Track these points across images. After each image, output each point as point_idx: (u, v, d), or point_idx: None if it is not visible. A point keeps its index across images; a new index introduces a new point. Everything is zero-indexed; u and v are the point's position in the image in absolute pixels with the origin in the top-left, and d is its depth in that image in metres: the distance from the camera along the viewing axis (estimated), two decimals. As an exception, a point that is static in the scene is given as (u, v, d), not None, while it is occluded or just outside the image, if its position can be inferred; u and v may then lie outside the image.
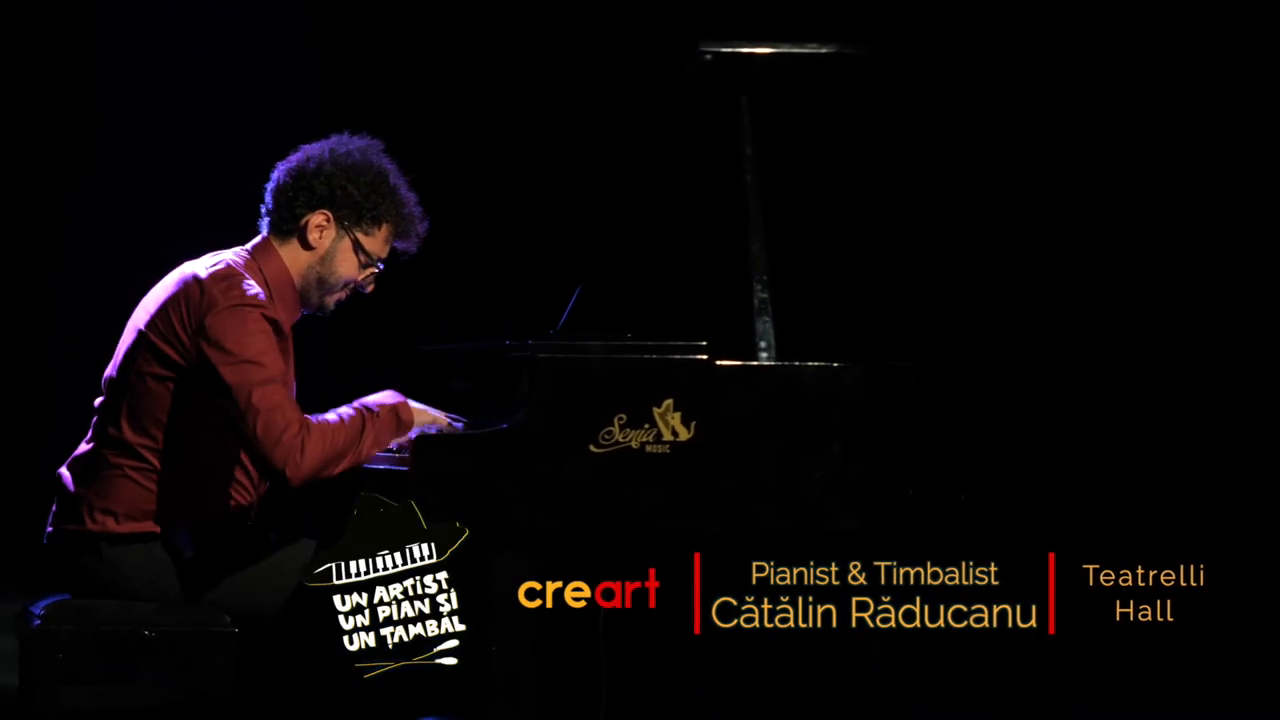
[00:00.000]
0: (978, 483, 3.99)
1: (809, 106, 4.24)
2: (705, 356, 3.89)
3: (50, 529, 4.09)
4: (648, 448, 3.83)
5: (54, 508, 4.10)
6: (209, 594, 3.99)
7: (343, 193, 4.09)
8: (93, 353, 4.43)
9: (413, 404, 4.04)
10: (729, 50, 3.99)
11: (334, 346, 4.52)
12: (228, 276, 3.98)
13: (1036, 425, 5.15)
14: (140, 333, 4.03)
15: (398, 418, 3.99)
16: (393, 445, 4.03)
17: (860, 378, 3.94)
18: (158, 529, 4.03)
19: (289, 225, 4.12)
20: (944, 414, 4.02)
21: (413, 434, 3.96)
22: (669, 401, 3.84)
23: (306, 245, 4.11)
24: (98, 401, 4.09)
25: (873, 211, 4.53)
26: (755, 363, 3.96)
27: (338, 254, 4.10)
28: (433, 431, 3.97)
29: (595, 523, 3.84)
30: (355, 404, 4.02)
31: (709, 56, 3.99)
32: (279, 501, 4.16)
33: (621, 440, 3.82)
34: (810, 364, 3.92)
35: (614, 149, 5.35)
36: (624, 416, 3.83)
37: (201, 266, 4.03)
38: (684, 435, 3.84)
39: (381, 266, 4.12)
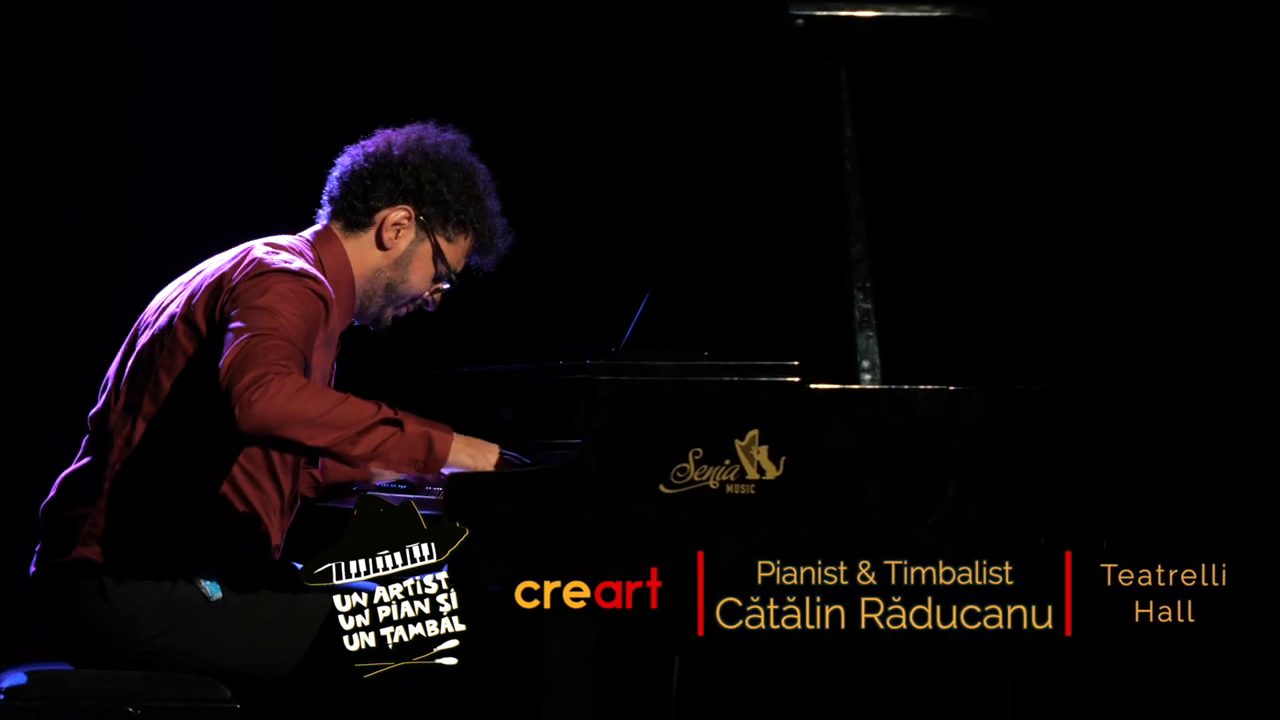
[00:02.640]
0: (1122, 526, 3.89)
1: (916, 82, 4.11)
2: (797, 379, 3.66)
3: (37, 563, 3.80)
4: (729, 488, 3.61)
5: (43, 538, 3.82)
6: (223, 653, 3.74)
7: (431, 188, 3.90)
8: (92, 358, 4.27)
9: (465, 440, 3.71)
10: (824, 14, 3.82)
11: (355, 368, 4.24)
12: (280, 250, 3.78)
13: (1176, 451, 4.90)
14: (166, 323, 3.78)
15: (429, 445, 3.63)
16: (410, 477, 3.85)
17: (980, 403, 3.71)
18: (181, 561, 3.74)
19: (361, 218, 3.91)
20: (1079, 444, 3.85)
21: (448, 470, 3.70)
22: (754, 433, 3.63)
23: (380, 244, 3.90)
24: (94, 411, 3.85)
25: (990, 206, 4.44)
26: (857, 386, 3.75)
27: (414, 259, 3.91)
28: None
29: (666, 577, 3.62)
30: (388, 406, 3.72)
31: (800, 21, 3.82)
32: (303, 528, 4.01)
33: (698, 479, 3.61)
34: (922, 388, 3.70)
35: (686, 132, 5.20)
36: (700, 451, 3.62)
37: (251, 244, 3.84)
38: (772, 473, 3.63)
39: (455, 282, 3.96)
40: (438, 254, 3.94)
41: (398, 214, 3.91)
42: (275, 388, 3.52)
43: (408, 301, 3.97)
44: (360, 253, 3.93)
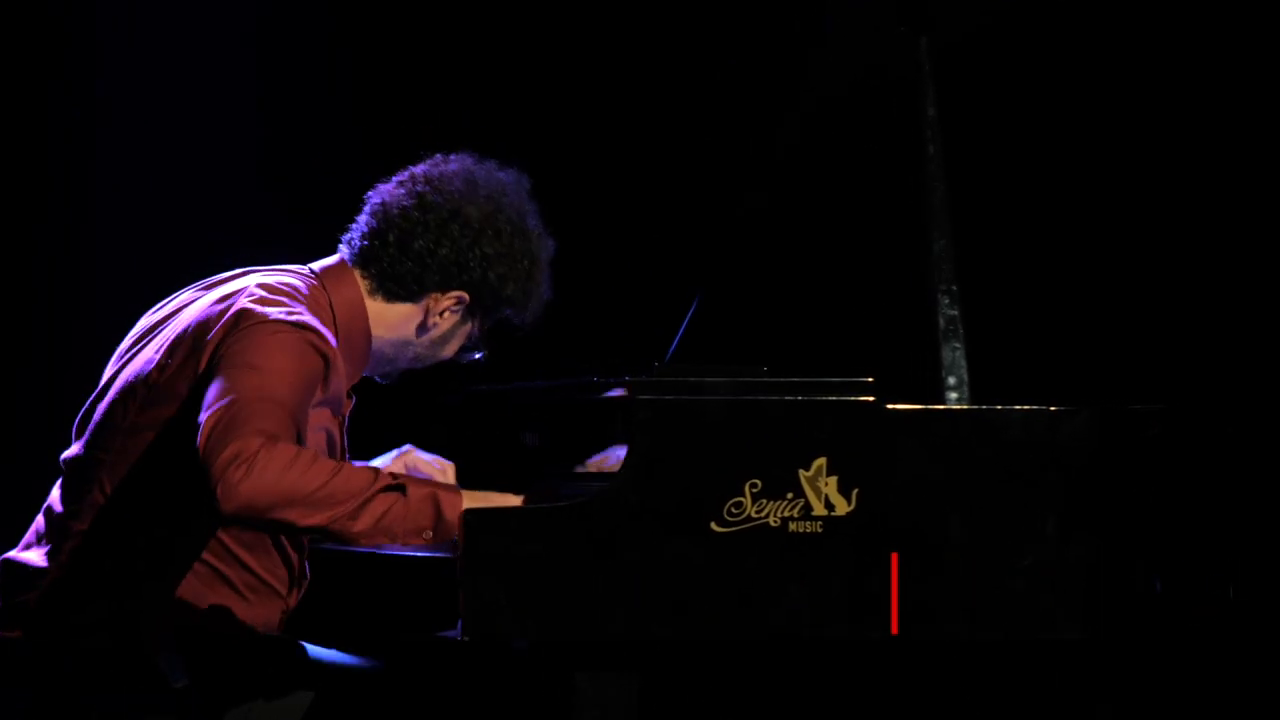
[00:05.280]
0: (1254, 571, 3.73)
1: (1015, 52, 4.09)
2: (871, 398, 3.53)
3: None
4: (792, 525, 3.48)
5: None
6: None
7: (497, 283, 3.77)
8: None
9: (481, 497, 3.56)
10: (901, -31, 3.80)
11: (362, 392, 4.10)
12: (274, 294, 3.63)
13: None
14: (136, 378, 3.66)
15: (436, 510, 3.45)
16: (419, 550, 3.64)
17: (1085, 425, 3.58)
18: (151, 630, 3.61)
19: (403, 291, 3.76)
20: (1203, 474, 3.69)
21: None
22: (821, 461, 3.49)
23: (422, 327, 3.78)
24: (56, 491, 3.73)
25: (1101, 197, 4.36)
26: (941, 407, 3.65)
27: (453, 339, 3.82)
28: None
29: (719, 632, 3.49)
30: (387, 470, 3.60)
31: (872, -20, 3.82)
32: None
33: (755, 515, 3.47)
34: (1017, 408, 3.57)
35: (741, 112, 5.13)
36: (759, 483, 3.48)
37: (242, 285, 3.69)
38: (842, 508, 3.50)
39: (485, 357, 3.90)
40: (479, 333, 3.87)
41: (449, 300, 3.80)
42: (262, 463, 3.36)
43: (422, 367, 3.92)
44: (392, 321, 3.81)
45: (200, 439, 3.38)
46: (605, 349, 4.66)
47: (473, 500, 3.52)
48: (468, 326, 3.82)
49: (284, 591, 3.73)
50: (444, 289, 3.76)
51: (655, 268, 4.98)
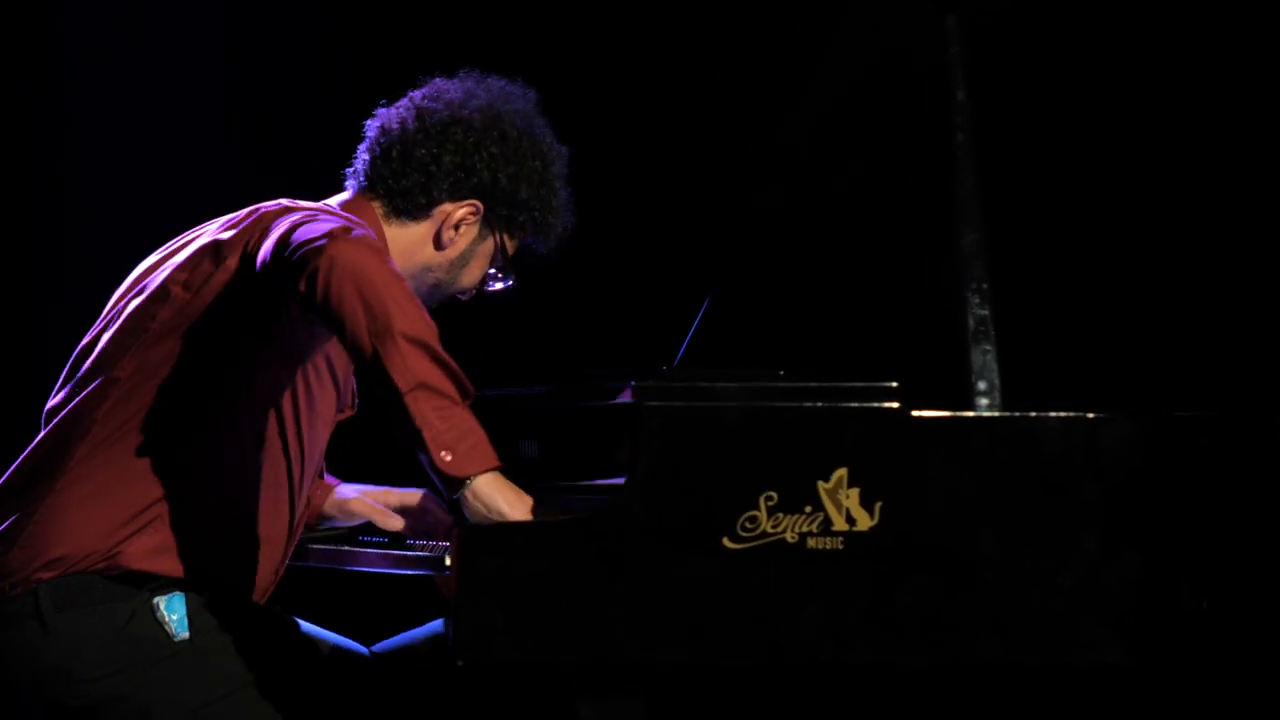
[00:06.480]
0: None
1: (1038, 36, 3.98)
2: (897, 404, 3.49)
3: None
4: (810, 541, 3.43)
5: None
6: (178, 712, 3.51)
7: (509, 185, 3.74)
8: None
9: (508, 483, 3.46)
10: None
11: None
12: (301, 206, 3.63)
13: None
14: (158, 288, 3.58)
15: (471, 449, 3.37)
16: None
17: (1126, 434, 3.53)
18: (146, 584, 3.52)
19: (416, 209, 3.74)
20: (1253, 486, 3.61)
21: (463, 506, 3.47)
22: (842, 472, 3.45)
23: (437, 242, 3.76)
24: (51, 403, 3.65)
25: (1131, 192, 4.25)
26: (971, 414, 3.58)
27: (473, 259, 3.79)
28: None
29: (732, 655, 3.45)
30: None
31: (896, -48, 3.83)
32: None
33: (771, 530, 3.43)
34: (1053, 415, 3.52)
35: (754, 98, 5.07)
36: (775, 495, 3.44)
37: (257, 205, 3.67)
38: (864, 523, 3.46)
39: (512, 283, 3.87)
40: (500, 253, 3.84)
41: (463, 210, 3.77)
42: (372, 241, 3.33)
43: (448, 298, 3.89)
44: (407, 244, 3.79)
45: (280, 239, 3.34)
46: (610, 351, 4.65)
47: (503, 480, 3.44)
48: (489, 244, 3.79)
49: (281, 548, 3.71)
50: (454, 197, 3.75)
51: (664, 264, 5.04)
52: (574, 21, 5.51)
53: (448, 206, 3.77)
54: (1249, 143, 4.55)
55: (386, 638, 3.97)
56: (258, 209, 3.62)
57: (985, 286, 3.64)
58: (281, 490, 3.67)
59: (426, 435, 3.37)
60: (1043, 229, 4.19)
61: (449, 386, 3.39)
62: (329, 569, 3.92)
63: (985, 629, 3.48)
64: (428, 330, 3.37)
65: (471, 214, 3.78)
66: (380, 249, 3.38)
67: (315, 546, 3.95)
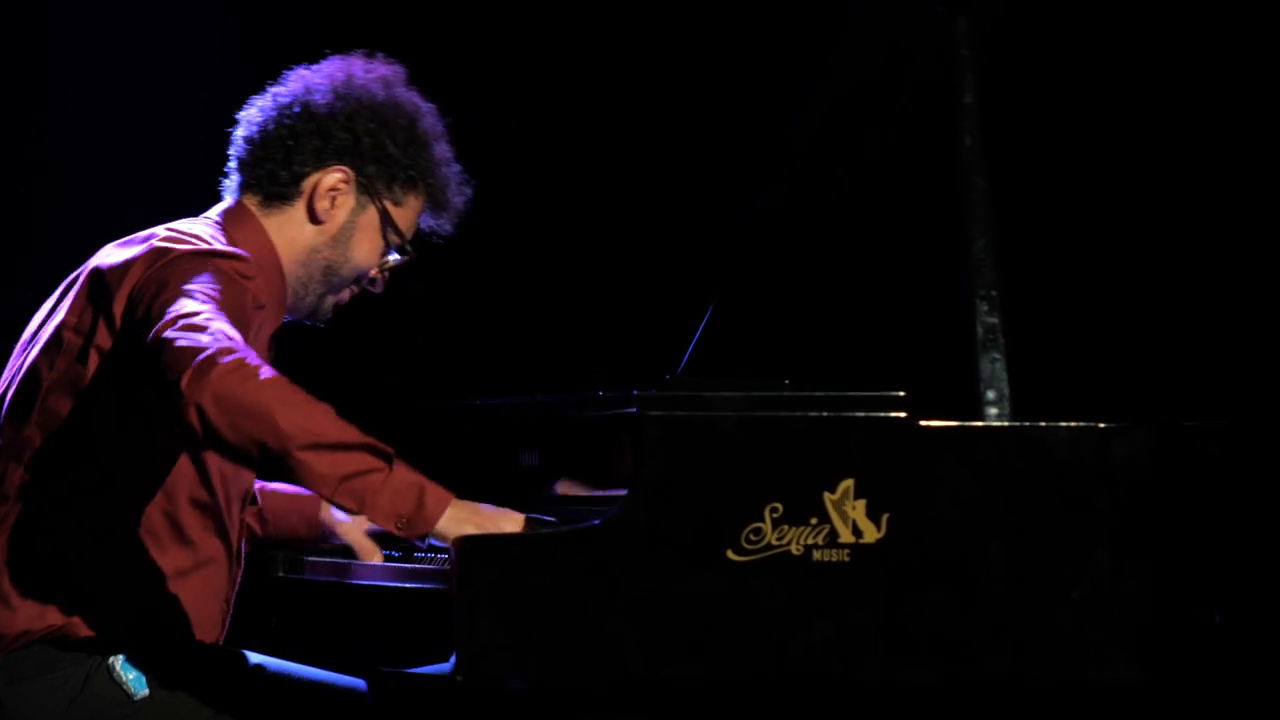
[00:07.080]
0: None
1: (1049, 38, 3.98)
2: (904, 414, 3.47)
3: None
4: (816, 554, 3.42)
5: None
6: None
7: (371, 141, 3.64)
8: None
9: (470, 508, 3.37)
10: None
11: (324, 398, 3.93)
12: (182, 237, 3.54)
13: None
14: (51, 338, 3.54)
15: (420, 500, 3.28)
16: (389, 525, 3.42)
17: (1139, 444, 3.52)
18: (93, 642, 3.45)
19: (284, 187, 3.65)
20: (1266, 499, 3.60)
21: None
22: (848, 483, 3.43)
23: (313, 217, 3.65)
24: None
25: (1143, 198, 4.21)
26: (980, 423, 3.57)
27: (357, 231, 3.67)
28: None
29: (737, 671, 3.42)
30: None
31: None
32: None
33: (776, 543, 3.41)
34: (1063, 424, 3.51)
35: (757, 100, 5.05)
36: (780, 507, 3.42)
37: (150, 232, 3.61)
38: (871, 535, 3.44)
39: (410, 253, 3.74)
40: (386, 221, 3.71)
41: (332, 177, 3.67)
42: (237, 363, 3.21)
43: (351, 283, 3.76)
44: (287, 231, 3.70)
45: (154, 336, 3.23)
46: (611, 360, 4.62)
47: (463, 509, 3.38)
48: (371, 214, 3.69)
49: (224, 574, 3.64)
50: (319, 165, 3.66)
51: (665, 270, 5.00)
52: (580, 27, 5.49)
53: (314, 176, 3.68)
54: (1258, 151, 4.53)
55: (392, 654, 3.93)
56: (149, 245, 3.54)
57: (994, 293, 3.62)
58: (208, 517, 3.61)
59: (374, 516, 3.32)
60: (1053, 235, 4.17)
61: (369, 461, 3.30)
62: (333, 583, 3.91)
63: (995, 643, 3.45)
64: (321, 421, 3.27)
65: (342, 180, 3.69)
66: (242, 360, 3.25)
67: (318, 560, 3.92)
